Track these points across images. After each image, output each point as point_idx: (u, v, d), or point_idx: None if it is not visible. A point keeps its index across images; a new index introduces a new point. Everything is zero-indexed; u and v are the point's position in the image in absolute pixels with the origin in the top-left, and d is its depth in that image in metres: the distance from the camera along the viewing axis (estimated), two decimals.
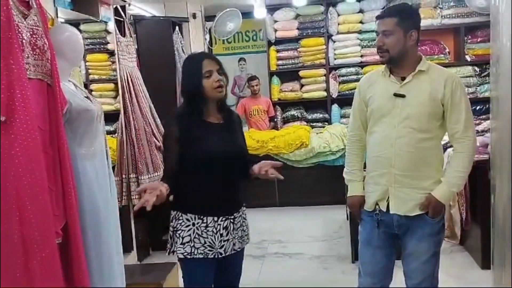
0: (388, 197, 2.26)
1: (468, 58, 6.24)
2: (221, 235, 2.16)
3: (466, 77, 6.16)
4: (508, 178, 2.08)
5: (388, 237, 2.33)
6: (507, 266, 2.11)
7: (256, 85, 6.21)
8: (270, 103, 6.40)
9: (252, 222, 4.96)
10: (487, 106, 5.36)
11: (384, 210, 2.28)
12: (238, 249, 2.25)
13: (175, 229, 2.16)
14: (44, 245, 1.82)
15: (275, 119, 6.50)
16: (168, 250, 2.20)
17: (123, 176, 3.78)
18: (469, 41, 6.26)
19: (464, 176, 2.26)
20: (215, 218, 2.15)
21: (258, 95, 6.31)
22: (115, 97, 4.79)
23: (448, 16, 6.27)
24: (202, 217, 2.13)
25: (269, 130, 6.20)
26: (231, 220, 2.20)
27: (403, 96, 2.20)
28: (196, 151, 2.11)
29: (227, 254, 2.19)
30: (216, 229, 2.14)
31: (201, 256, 2.13)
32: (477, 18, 6.11)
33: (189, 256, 2.13)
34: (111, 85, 4.87)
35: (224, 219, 2.17)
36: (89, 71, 4.63)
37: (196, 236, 2.13)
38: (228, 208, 2.20)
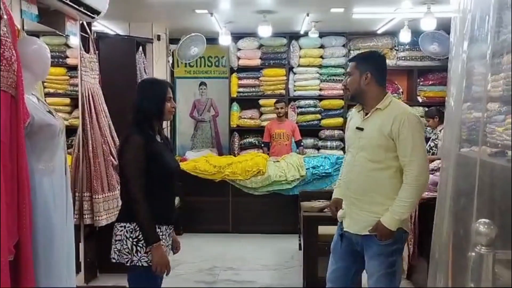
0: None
1: (419, 99, 6.56)
2: (164, 242, 2.35)
3: None
4: (445, 215, 2.18)
5: (350, 252, 2.57)
6: None
7: (281, 108, 6.12)
8: (296, 127, 6.24)
9: (204, 247, 5.01)
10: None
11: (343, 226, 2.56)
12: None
13: (138, 239, 2.26)
14: None
15: (302, 144, 6.29)
16: (128, 261, 2.26)
17: (76, 194, 3.67)
18: (421, 83, 6.60)
19: (407, 206, 2.40)
20: (165, 227, 2.37)
21: (283, 118, 6.22)
22: (70, 112, 4.68)
23: (403, 58, 6.60)
24: (160, 226, 2.33)
25: (297, 153, 6.01)
26: (171, 228, 2.45)
27: (361, 129, 2.50)
28: (161, 166, 2.33)
29: None
30: (165, 236, 2.36)
31: None
32: (430, 62, 6.50)
33: (151, 263, 2.26)
34: (67, 100, 4.78)
35: (171, 227, 2.43)
36: (45, 84, 4.51)
37: None
38: (174, 217, 2.46)
